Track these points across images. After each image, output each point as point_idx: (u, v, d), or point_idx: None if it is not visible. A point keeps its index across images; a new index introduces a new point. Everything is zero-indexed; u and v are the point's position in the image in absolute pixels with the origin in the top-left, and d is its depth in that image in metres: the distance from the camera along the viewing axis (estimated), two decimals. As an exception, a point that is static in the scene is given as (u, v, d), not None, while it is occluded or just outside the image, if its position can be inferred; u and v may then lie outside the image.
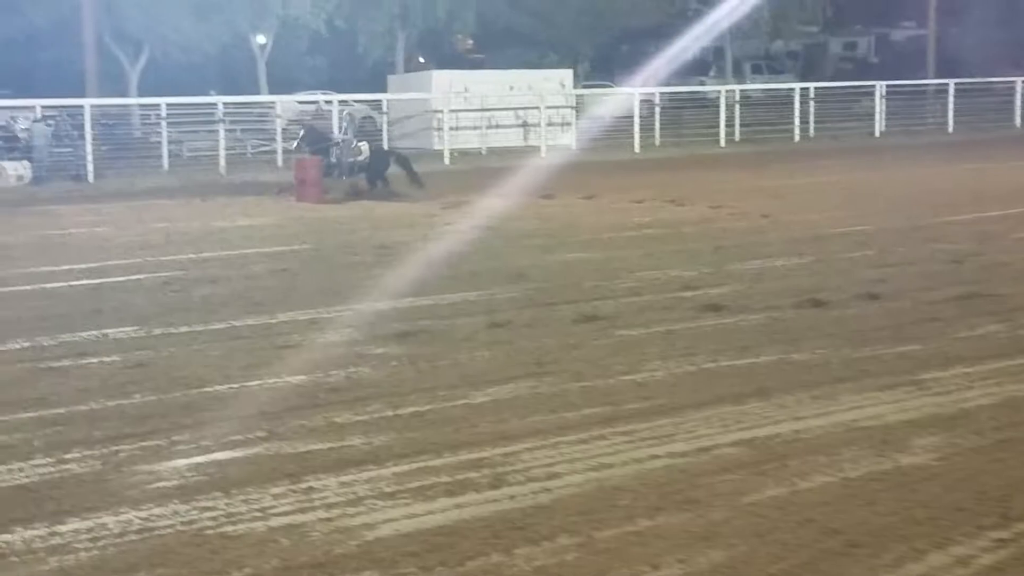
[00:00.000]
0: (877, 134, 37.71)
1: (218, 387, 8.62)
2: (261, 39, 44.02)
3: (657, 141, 35.01)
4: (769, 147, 34.18)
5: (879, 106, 38.53)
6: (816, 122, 37.62)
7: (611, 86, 45.20)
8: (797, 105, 37.32)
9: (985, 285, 11.76)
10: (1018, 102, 40.22)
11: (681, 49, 46.39)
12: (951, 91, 39.61)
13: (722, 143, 35.17)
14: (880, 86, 38.89)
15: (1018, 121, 39.86)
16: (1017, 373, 8.49)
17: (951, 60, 49.84)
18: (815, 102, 38.31)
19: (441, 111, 33.59)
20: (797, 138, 36.64)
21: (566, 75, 39.16)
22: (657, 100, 37.01)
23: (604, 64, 56.18)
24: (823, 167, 27.23)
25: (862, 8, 61.59)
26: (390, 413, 7.86)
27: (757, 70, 57.02)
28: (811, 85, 40.38)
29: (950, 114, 39.23)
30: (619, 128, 33.76)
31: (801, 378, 8.53)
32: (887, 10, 62.83)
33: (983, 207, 18.40)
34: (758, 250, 14.73)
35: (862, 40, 67.38)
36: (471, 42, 60.13)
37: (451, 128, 33.04)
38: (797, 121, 37.15)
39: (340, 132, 24.25)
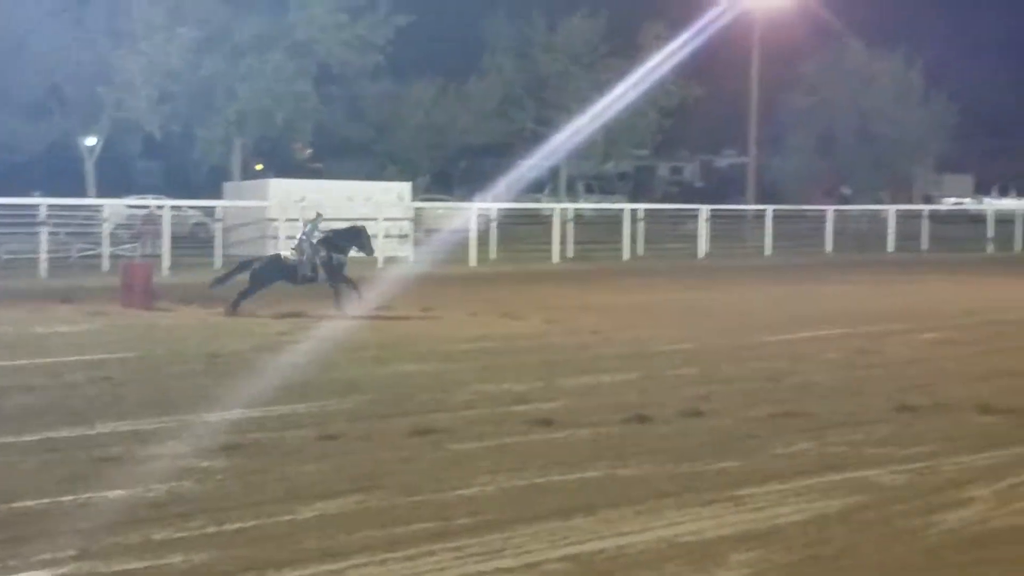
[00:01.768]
0: (701, 255, 38.87)
1: (30, 502, 8.32)
2: (91, 140, 43.49)
3: (493, 255, 35.49)
4: (600, 264, 34.96)
5: (703, 228, 39.78)
6: (644, 242, 38.65)
7: (449, 200, 45.79)
8: (627, 225, 38.29)
9: (798, 403, 12.22)
10: (829, 229, 41.99)
11: (518, 167, 47.42)
12: (769, 216, 41.16)
13: (555, 259, 35.84)
14: (704, 209, 40.20)
15: (829, 247, 41.54)
16: (826, 489, 8.86)
17: (770, 187, 51.94)
18: (644, 222, 39.40)
19: (277, 220, 33.57)
20: (627, 256, 37.52)
21: (405, 188, 39.55)
22: (494, 215, 37.64)
23: (443, 178, 57.01)
24: (651, 286, 27.93)
25: (689, 135, 63.71)
26: (212, 529, 7.73)
27: (590, 189, 58.46)
28: (640, 206, 41.54)
29: (768, 238, 40.69)
30: (456, 242, 34.16)
31: (626, 493, 8.75)
32: (712, 138, 65.21)
33: (798, 328, 19.11)
34: (588, 365, 15.03)
35: (688, 165, 69.74)
36: (310, 151, 60.34)
37: (287, 237, 33.04)
38: (627, 240, 38.09)
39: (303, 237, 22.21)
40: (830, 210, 43.15)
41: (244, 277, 21.58)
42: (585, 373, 14.42)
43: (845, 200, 54.33)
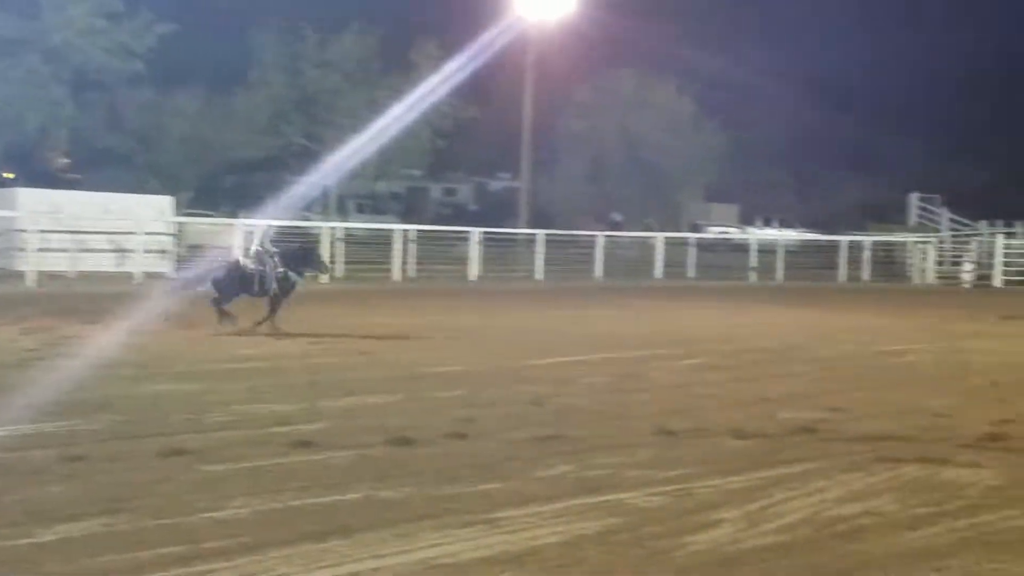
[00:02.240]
0: (472, 277, 39.08)
1: None
2: None
3: (258, 274, 34.88)
4: (370, 285, 34.76)
5: (475, 251, 40.02)
6: (416, 263, 38.65)
7: (213, 215, 44.91)
8: (399, 245, 38.23)
9: (561, 427, 12.29)
10: (599, 255, 42.79)
11: (287, 184, 46.85)
12: (540, 240, 41.70)
13: (323, 279, 35.46)
14: (476, 232, 40.46)
15: (599, 272, 42.32)
16: (584, 512, 8.90)
17: (543, 211, 52.66)
18: (415, 243, 39.41)
19: (26, 231, 32.33)
20: (397, 277, 37.44)
21: (166, 202, 38.61)
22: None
23: (208, 194, 55.83)
24: (420, 307, 27.90)
25: (462, 157, 64.12)
26: (-57, 554, 7.33)
27: (361, 209, 58.15)
28: (412, 227, 41.56)
29: (539, 262, 41.20)
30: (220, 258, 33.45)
31: (385, 516, 8.63)
32: (486, 160, 65.77)
33: (565, 352, 19.32)
34: (353, 386, 14.86)
35: (462, 187, 70.18)
36: (67, 160, 58.37)
37: (38, 249, 31.85)
38: (398, 261, 38.02)
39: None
40: (600, 236, 43.97)
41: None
42: (350, 394, 14.24)
43: (616, 226, 55.48)
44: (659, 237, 46.51)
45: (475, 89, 52.10)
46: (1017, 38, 68.14)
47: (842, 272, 47.75)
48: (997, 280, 45.05)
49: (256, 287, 21.09)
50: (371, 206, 59.35)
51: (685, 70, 57.52)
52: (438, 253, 40.79)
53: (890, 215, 58.15)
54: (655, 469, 10.47)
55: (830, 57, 69.94)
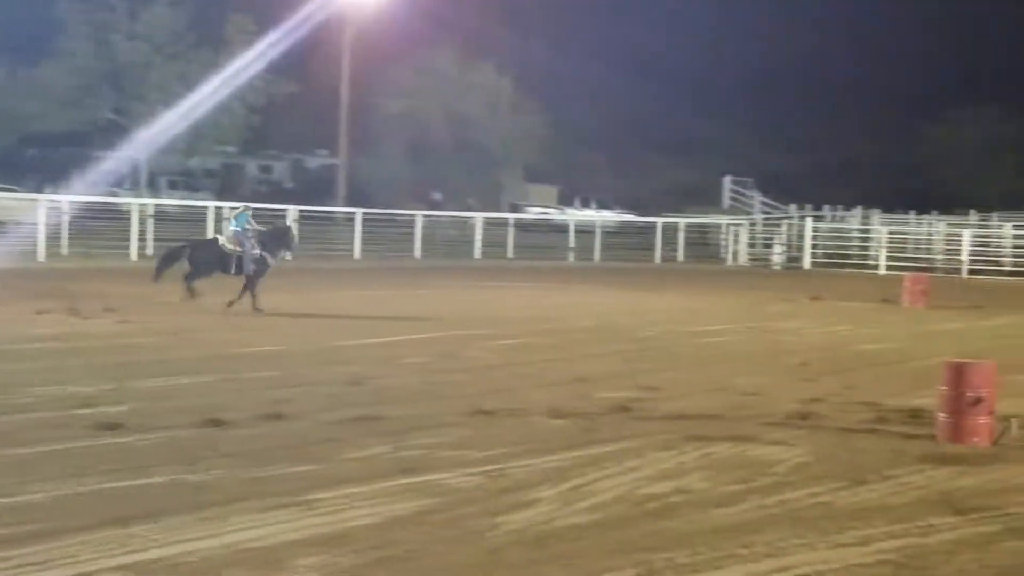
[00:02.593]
0: (288, 257, 38.57)
1: None
2: None
3: (65, 251, 33.85)
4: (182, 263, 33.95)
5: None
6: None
7: (15, 190, 43.33)
8: (212, 223, 37.49)
9: (378, 407, 12.18)
10: (418, 234, 42.68)
11: (94, 158, 45.49)
12: (359, 220, 41.37)
13: (134, 256, 34.60)
14: (292, 210, 39.95)
15: (418, 252, 42.20)
16: (397, 493, 8.81)
17: (361, 189, 52.26)
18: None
19: None
20: (211, 256, 36.70)
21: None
22: (66, 209, 35.91)
23: (11, 167, 53.84)
24: (235, 286, 27.32)
25: (279, 133, 63.19)
26: None
27: (174, 185, 56.80)
28: (226, 204, 40.77)
29: (357, 241, 40.88)
30: (23, 235, 32.39)
31: (193, 499, 8.41)
32: (303, 137, 64.93)
33: (384, 333, 19.19)
34: (165, 367, 14.52)
35: (278, 164, 69.17)
36: None
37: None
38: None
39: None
40: (419, 215, 43.87)
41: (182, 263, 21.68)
42: (160, 375, 13.91)
43: (436, 205, 55.41)
44: (479, 217, 46.60)
45: (292, 66, 51.38)
46: (830, 34, 70.28)
47: (658, 253, 48.57)
48: (806, 262, 46.34)
49: (233, 267, 21.44)
50: (184, 183, 58.06)
51: (505, 51, 57.70)
52: (255, 232, 40.19)
53: (706, 198, 59.35)
54: (471, 449, 10.44)
55: (651, 41, 71.10)
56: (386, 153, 58.30)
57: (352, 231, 41.41)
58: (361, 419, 11.58)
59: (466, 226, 47.21)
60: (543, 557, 7.40)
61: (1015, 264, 42.57)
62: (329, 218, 44.63)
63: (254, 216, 22.76)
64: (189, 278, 21.36)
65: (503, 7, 59.59)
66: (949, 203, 55.06)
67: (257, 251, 21.62)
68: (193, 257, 21.62)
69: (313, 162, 68.28)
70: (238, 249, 21.48)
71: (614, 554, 7.46)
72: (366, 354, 16.63)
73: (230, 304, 21.02)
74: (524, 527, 8.05)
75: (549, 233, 51.08)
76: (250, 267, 21.48)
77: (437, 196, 59.15)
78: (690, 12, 72.71)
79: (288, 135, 64.70)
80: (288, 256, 22.84)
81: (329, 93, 51.88)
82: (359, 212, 41.91)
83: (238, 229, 21.71)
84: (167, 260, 22.20)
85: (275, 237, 22.63)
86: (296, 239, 23.17)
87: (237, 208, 22.97)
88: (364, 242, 41.03)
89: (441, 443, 10.66)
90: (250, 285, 21.43)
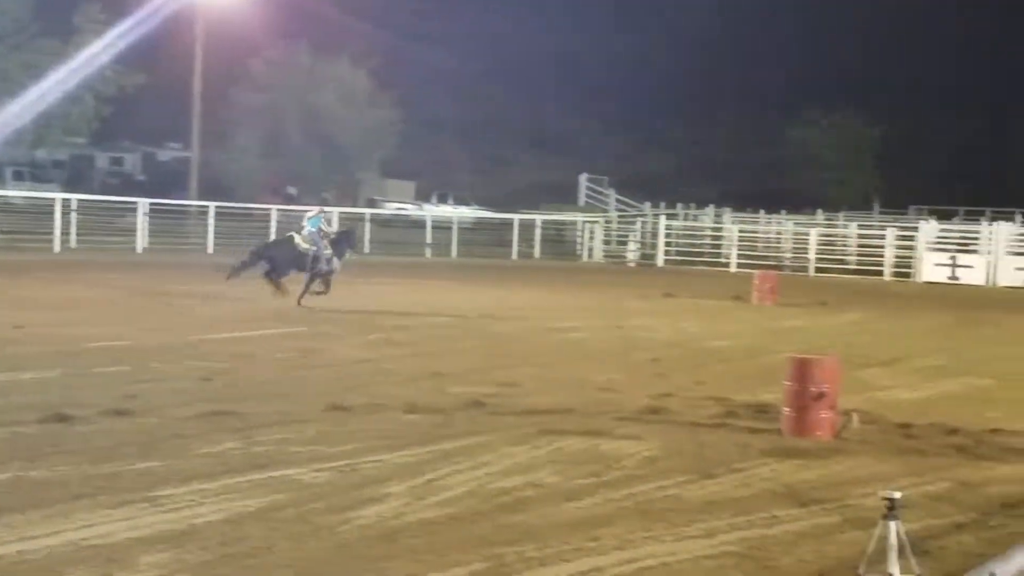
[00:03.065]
0: (139, 250, 37.90)
1: None
2: None
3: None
4: (28, 257, 33.19)
5: (142, 222, 38.81)
6: (79, 234, 37.15)
7: None
8: (59, 215, 36.65)
9: (231, 403, 12.04)
10: (274, 228, 42.25)
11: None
12: (211, 213, 40.81)
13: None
14: (144, 203, 39.24)
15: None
16: (246, 489, 8.73)
17: (216, 183, 51.51)
18: (78, 214, 37.87)
19: None
20: (58, 249, 35.89)
21: None
22: None
23: None
24: (85, 280, 26.83)
25: (131, 125, 61.95)
26: None
27: (20, 177, 55.32)
28: (74, 196, 39.89)
29: (211, 235, 40.32)
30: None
31: (36, 496, 8.23)
32: (155, 129, 63.77)
33: (242, 327, 19.00)
34: (7, 362, 14.18)
35: (129, 156, 67.81)
36: None
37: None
38: (59, 231, 36.46)
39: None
40: (275, 209, 43.45)
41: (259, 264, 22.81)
42: (2, 370, 13.55)
43: (291, 200, 54.86)
44: (335, 212, 46.32)
45: (143, 56, 50.34)
46: (694, 35, 71.17)
47: (515, 249, 48.80)
48: (660, 259, 47.00)
49: (308, 265, 22.77)
50: (31, 174, 56.53)
51: (362, 43, 57.28)
52: (104, 224, 39.34)
53: (563, 195, 59.79)
54: (324, 445, 10.39)
55: (513, 37, 71.31)
56: (241, 147, 57.53)
57: (206, 224, 40.81)
58: (212, 414, 11.44)
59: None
60: (392, 551, 7.41)
61: (859, 263, 43.72)
62: (182, 212, 43.93)
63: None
64: (271, 275, 22.47)
65: (362, 3, 59.24)
66: (805, 204, 56.31)
67: (328, 251, 23.07)
68: (272, 255, 22.82)
69: (165, 155, 67.07)
70: (312, 248, 22.81)
71: (464, 548, 7.50)
72: (222, 348, 16.42)
73: (303, 299, 22.45)
74: (374, 522, 8.04)
75: (407, 229, 50.98)
76: (322, 266, 22.94)
77: (292, 191, 58.55)
78: (552, 8, 73.13)
79: (140, 127, 63.46)
80: (351, 256, 24.67)
81: (182, 85, 51.03)
82: (212, 206, 41.34)
83: (313, 230, 23.08)
84: (249, 262, 23.03)
85: (342, 238, 24.09)
86: (360, 239, 24.39)
87: (312, 211, 24.41)
88: (218, 236, 40.45)
89: (293, 438, 10.59)
90: (312, 280, 22.95)
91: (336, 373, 14.74)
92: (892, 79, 70.07)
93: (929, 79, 69.00)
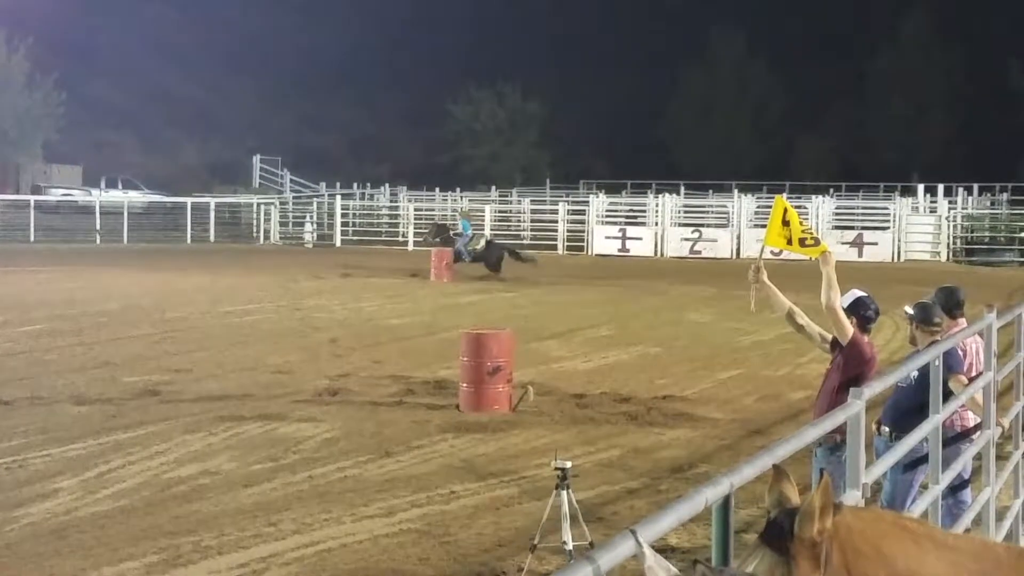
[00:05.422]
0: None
1: None
2: None
3: None
4: None
5: None
6: None
7: None
8: None
9: None
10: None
11: None
12: None
13: None
14: None
15: None
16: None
17: None
18: None
19: None
20: None
21: None
22: None
23: None
24: None
25: None
26: None
27: None
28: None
29: None
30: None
31: None
32: None
33: None
34: None
35: None
36: None
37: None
38: None
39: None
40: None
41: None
42: None
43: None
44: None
45: None
46: (353, 12, 71.11)
47: (189, 233, 47.70)
48: (337, 240, 46.85)
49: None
50: None
51: (16, 21, 54.54)
52: None
53: (237, 177, 58.73)
54: (-14, 442, 9.93)
55: (181, 18, 69.42)
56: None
57: None
58: None
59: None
60: (63, 548, 7.17)
61: (533, 237, 44.80)
62: None
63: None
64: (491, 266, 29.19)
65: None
66: (474, 180, 57.17)
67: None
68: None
69: None
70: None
71: (138, 540, 7.33)
72: None
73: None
74: (43, 519, 7.76)
75: (75, 215, 49.02)
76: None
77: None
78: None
79: None
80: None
81: None
82: None
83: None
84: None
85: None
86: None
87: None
88: None
89: (-49, 437, 10.08)
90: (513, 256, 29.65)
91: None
92: (546, 55, 71.65)
93: (574, 51, 71.00)
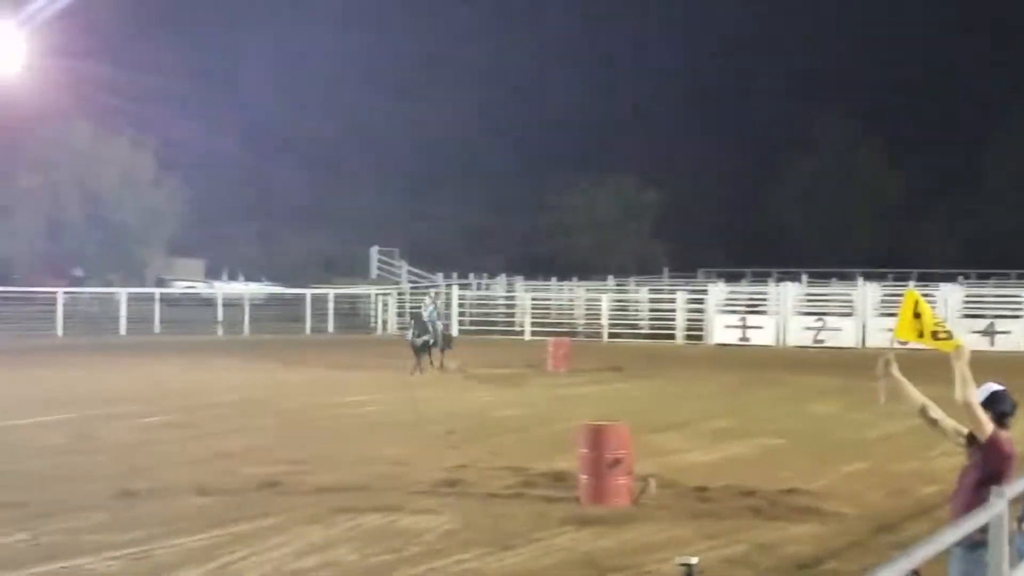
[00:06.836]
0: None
1: None
2: None
3: None
4: None
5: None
6: None
7: None
8: None
9: (13, 493, 11.61)
10: (60, 311, 40.97)
11: None
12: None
13: None
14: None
15: (60, 330, 40.48)
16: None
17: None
18: None
19: None
20: None
21: None
22: None
23: None
24: None
25: None
26: None
27: None
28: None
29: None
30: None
31: None
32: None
33: (19, 415, 18.30)
34: None
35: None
36: None
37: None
38: None
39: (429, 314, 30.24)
40: (61, 292, 42.12)
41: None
42: None
43: (77, 282, 53.27)
44: (122, 293, 45.16)
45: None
46: (465, 108, 72.00)
47: (308, 324, 48.28)
48: (454, 329, 47.06)
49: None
50: None
51: (142, 124, 56.19)
52: None
53: (355, 268, 59.45)
54: (113, 532, 10.06)
55: (287, 116, 71.04)
56: (20, 228, 55.61)
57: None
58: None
59: (110, 302, 45.59)
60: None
61: (651, 327, 44.56)
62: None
63: None
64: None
65: (143, 83, 58.12)
66: (588, 270, 57.13)
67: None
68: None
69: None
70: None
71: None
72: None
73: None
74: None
75: (197, 307, 49.97)
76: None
77: (79, 272, 56.89)
78: (320, 87, 73.09)
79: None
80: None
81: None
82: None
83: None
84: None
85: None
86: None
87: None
88: (2, 322, 38.95)
89: (82, 527, 10.23)
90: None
91: (116, 458, 14.28)
92: (662, 145, 71.70)
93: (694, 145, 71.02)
